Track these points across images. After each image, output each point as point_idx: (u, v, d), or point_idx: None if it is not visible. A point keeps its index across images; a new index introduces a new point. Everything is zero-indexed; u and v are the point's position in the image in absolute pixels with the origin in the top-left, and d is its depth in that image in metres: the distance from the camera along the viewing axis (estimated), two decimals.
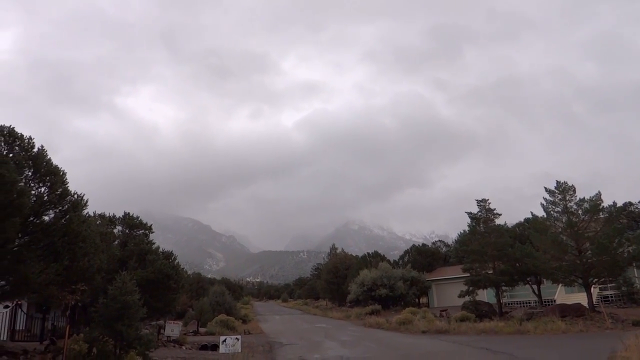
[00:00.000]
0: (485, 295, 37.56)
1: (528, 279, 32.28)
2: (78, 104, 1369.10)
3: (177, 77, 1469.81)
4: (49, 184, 12.97)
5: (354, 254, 78.19)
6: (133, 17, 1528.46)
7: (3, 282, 12.68)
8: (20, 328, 19.65)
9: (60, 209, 13.08)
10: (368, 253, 67.25)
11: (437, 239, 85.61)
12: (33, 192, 12.50)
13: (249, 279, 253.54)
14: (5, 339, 17.37)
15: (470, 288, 31.84)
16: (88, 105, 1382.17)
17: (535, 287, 33.33)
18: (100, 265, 14.25)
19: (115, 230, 21.84)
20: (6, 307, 17.98)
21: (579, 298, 29.26)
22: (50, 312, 21.70)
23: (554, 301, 33.07)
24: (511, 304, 38.61)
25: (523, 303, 38.18)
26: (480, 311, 29.78)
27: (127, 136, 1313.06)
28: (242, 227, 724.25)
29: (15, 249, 11.61)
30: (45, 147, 13.28)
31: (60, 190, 13.11)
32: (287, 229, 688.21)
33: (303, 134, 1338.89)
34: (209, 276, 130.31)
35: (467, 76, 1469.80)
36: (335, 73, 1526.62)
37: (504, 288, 32.17)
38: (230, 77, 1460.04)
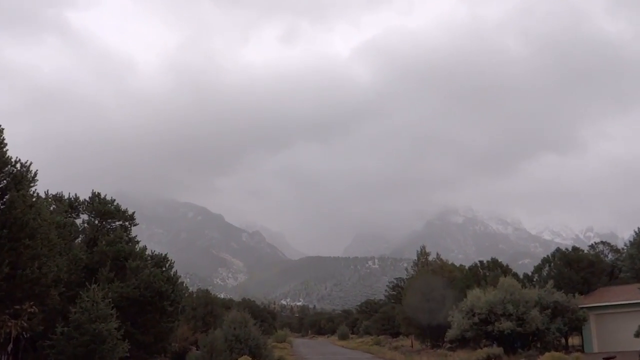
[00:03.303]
0: None
1: None
2: (12, 25, 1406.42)
3: None
4: None
5: (456, 263, 77.81)
6: None
7: None
8: None
9: None
10: (480, 262, 67.00)
11: (597, 240, 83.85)
12: None
13: (284, 302, 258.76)
14: None
15: None
16: (27, 27, 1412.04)
17: None
18: (58, 275, 14.70)
19: (79, 221, 22.54)
20: None
21: None
22: None
23: None
24: None
25: None
26: None
27: (86, 73, 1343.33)
28: (273, 218, 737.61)
29: None
30: None
31: None
32: (345, 223, 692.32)
33: (366, 67, 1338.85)
34: (222, 295, 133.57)
35: None
36: None
37: None
38: None
